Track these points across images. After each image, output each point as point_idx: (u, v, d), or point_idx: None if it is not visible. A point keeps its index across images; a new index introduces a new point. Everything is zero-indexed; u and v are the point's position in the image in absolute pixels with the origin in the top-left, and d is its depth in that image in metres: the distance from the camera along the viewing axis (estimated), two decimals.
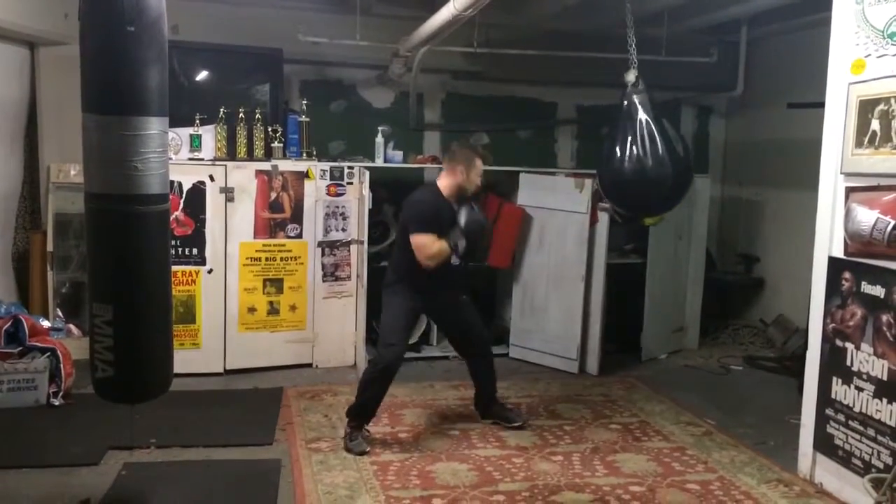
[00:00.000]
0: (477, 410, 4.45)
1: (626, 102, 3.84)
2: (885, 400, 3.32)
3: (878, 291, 3.35)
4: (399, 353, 4.02)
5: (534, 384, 5.22)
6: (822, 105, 3.71)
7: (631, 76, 3.64)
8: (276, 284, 5.28)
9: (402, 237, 4.05)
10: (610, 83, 3.64)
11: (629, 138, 3.66)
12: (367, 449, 3.94)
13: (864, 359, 3.43)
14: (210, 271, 5.12)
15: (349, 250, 5.41)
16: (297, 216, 5.28)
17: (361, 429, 4.03)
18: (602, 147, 4.12)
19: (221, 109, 5.13)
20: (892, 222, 3.24)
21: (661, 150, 3.56)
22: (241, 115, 5.18)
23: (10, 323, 4.56)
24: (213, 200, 5.09)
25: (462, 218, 3.92)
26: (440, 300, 4.14)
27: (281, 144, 5.29)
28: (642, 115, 3.62)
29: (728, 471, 3.87)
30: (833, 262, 3.61)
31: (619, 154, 3.73)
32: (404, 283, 4.04)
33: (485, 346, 4.40)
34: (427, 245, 3.86)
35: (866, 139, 3.39)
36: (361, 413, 4.03)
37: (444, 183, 4.09)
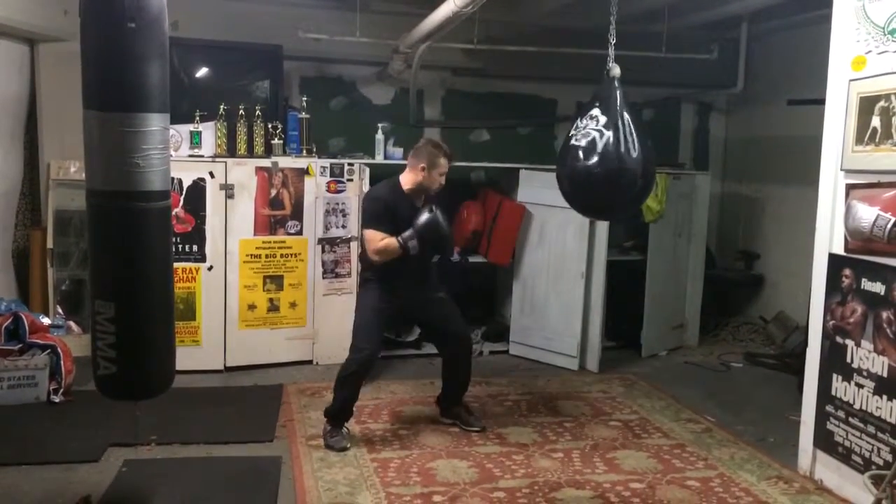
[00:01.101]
0: (439, 407, 4.41)
1: (601, 98, 3.55)
2: (885, 397, 3.32)
3: (878, 288, 3.36)
4: (369, 356, 3.95)
5: (534, 381, 5.22)
6: (822, 102, 3.71)
7: (617, 70, 3.55)
8: (276, 281, 5.28)
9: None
10: None
11: (601, 136, 3.44)
12: (348, 445, 3.94)
13: (864, 355, 3.43)
14: (210, 268, 5.12)
15: (349, 247, 5.41)
16: (298, 213, 5.28)
17: (341, 426, 4.02)
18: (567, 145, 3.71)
19: (221, 106, 5.12)
20: (893, 219, 3.24)
21: (633, 150, 3.42)
22: (241, 111, 5.18)
23: (10, 320, 4.57)
24: (213, 197, 5.08)
25: (419, 220, 3.85)
26: (416, 299, 4.08)
27: (281, 141, 5.28)
28: (618, 113, 3.46)
29: (728, 467, 3.87)
30: (833, 259, 3.61)
31: (587, 152, 3.49)
32: (376, 282, 4.00)
33: (464, 344, 4.24)
34: (373, 240, 3.85)
35: (867, 136, 3.39)
36: (339, 414, 4.02)
37: (406, 178, 4.01)
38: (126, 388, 2.94)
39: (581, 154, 3.50)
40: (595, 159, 3.45)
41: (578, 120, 3.59)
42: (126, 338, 2.81)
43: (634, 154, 3.42)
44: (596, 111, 3.52)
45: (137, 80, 2.68)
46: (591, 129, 3.49)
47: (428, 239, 3.88)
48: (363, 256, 4.12)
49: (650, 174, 3.61)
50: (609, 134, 3.43)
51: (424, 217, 3.86)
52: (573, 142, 3.56)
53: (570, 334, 5.51)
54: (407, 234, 3.84)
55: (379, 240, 3.84)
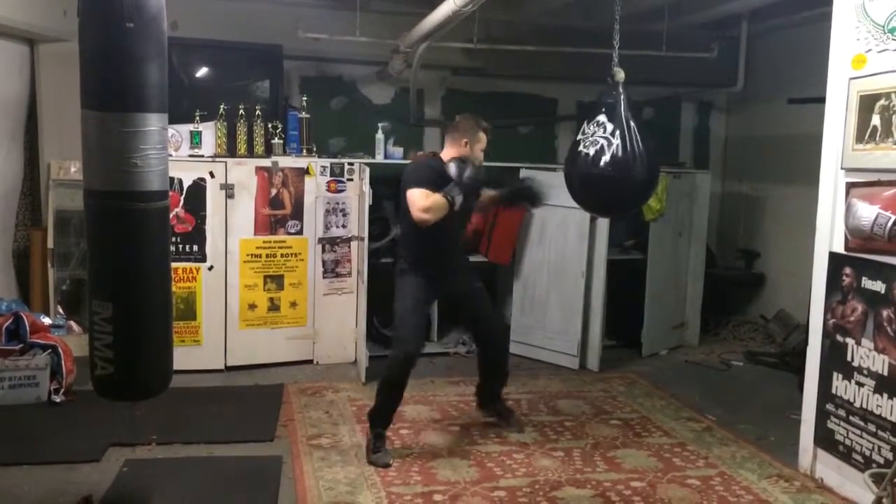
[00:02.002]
0: (477, 399, 4.36)
1: (608, 100, 3.62)
2: (885, 395, 3.32)
3: (878, 287, 3.35)
4: (417, 348, 3.84)
5: (534, 380, 5.22)
6: (822, 100, 3.71)
7: (621, 74, 3.58)
8: (276, 281, 5.28)
9: (406, 212, 3.80)
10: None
11: (609, 137, 3.51)
12: (391, 462, 3.76)
13: (864, 354, 3.43)
14: (210, 268, 5.12)
15: (349, 247, 5.41)
16: (298, 213, 5.28)
17: (384, 437, 3.87)
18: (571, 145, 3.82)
19: (221, 106, 5.11)
20: (893, 217, 3.24)
21: (639, 151, 3.48)
22: (241, 111, 5.17)
23: (10, 320, 4.57)
24: (213, 197, 5.09)
25: (454, 170, 3.70)
26: (454, 285, 3.97)
27: (281, 141, 5.28)
28: (624, 114, 3.52)
29: (729, 466, 3.87)
30: (833, 258, 3.61)
31: (595, 152, 3.52)
32: (417, 269, 3.84)
33: (497, 336, 4.22)
34: (419, 198, 3.62)
35: (867, 134, 3.39)
36: (383, 416, 3.87)
37: (448, 154, 3.89)
38: (123, 389, 2.93)
39: (590, 160, 3.54)
40: (604, 166, 3.50)
41: (585, 124, 3.64)
42: (123, 338, 2.80)
43: (640, 158, 3.46)
44: (602, 117, 3.57)
45: (136, 80, 2.68)
46: (599, 137, 3.54)
47: (470, 189, 3.71)
48: (406, 239, 3.92)
49: (654, 174, 3.65)
50: (616, 141, 3.48)
51: (458, 167, 3.71)
52: (581, 147, 3.61)
53: (571, 333, 5.51)
54: (448, 187, 3.64)
55: (425, 196, 3.62)
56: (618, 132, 3.50)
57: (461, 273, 4.05)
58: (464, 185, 3.66)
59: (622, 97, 3.55)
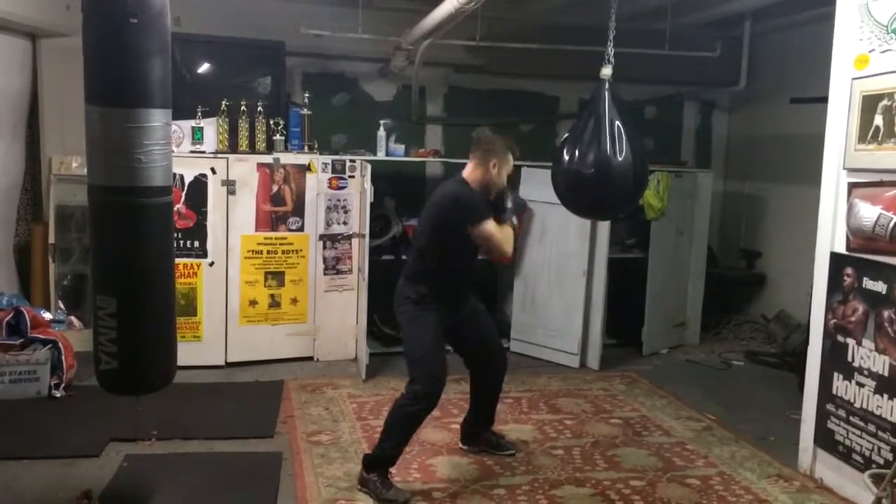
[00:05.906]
0: (463, 433, 3.99)
1: (596, 99, 3.46)
2: (885, 396, 3.32)
3: (879, 287, 3.35)
4: (442, 383, 3.43)
5: (535, 378, 5.22)
6: (825, 100, 3.71)
7: (608, 70, 3.51)
8: (277, 277, 5.28)
9: (432, 240, 3.54)
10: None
11: (597, 137, 3.43)
12: (409, 495, 3.42)
13: (865, 354, 3.43)
14: (211, 264, 5.12)
15: (350, 244, 5.41)
16: (299, 209, 5.28)
17: (388, 475, 3.46)
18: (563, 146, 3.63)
19: (223, 102, 5.12)
20: (895, 218, 3.24)
21: (627, 151, 3.40)
22: (243, 107, 5.17)
23: (11, 315, 4.58)
24: (214, 193, 5.08)
25: (510, 201, 3.57)
26: (468, 312, 3.69)
27: (283, 137, 5.28)
28: (613, 114, 3.44)
29: (728, 466, 3.87)
30: (835, 258, 3.61)
31: (582, 154, 3.40)
32: (435, 298, 3.49)
33: (504, 360, 3.90)
34: (495, 232, 3.39)
35: (869, 134, 3.39)
36: (389, 460, 3.47)
37: (473, 176, 3.56)
38: (127, 384, 2.94)
39: (570, 156, 3.48)
40: (583, 161, 3.42)
41: (575, 121, 3.59)
42: (127, 333, 2.81)
43: (622, 155, 3.38)
44: (587, 116, 3.50)
45: (139, 76, 2.68)
46: (581, 132, 3.48)
47: (515, 215, 3.59)
48: (421, 266, 3.57)
49: (641, 174, 3.55)
50: (595, 136, 3.40)
51: (514, 196, 3.65)
52: (564, 143, 3.55)
53: (572, 332, 5.52)
54: (506, 216, 3.50)
55: (499, 230, 3.43)
56: (598, 127, 3.42)
57: (471, 295, 3.79)
58: (514, 212, 3.57)
59: (607, 93, 3.47)
